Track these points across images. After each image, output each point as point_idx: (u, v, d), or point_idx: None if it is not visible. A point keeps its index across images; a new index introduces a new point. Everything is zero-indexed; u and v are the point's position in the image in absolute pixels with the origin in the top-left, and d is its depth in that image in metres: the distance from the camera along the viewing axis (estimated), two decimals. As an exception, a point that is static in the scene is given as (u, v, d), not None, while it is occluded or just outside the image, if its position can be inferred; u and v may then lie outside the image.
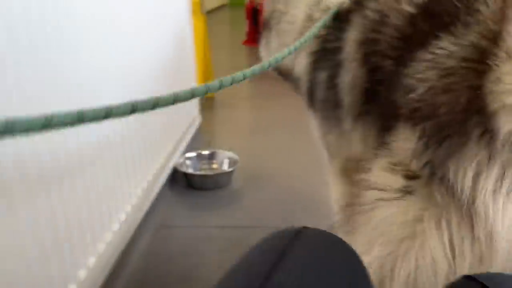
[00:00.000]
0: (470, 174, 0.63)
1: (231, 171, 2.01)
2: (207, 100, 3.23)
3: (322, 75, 1.11)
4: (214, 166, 2.12)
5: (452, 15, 0.72)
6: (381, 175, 0.75)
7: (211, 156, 2.13)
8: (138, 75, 1.50)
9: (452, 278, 0.66)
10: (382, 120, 0.84)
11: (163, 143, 1.78)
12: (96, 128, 1.18)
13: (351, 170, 1.16)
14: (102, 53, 1.22)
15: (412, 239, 0.69)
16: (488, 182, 0.62)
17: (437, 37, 0.71)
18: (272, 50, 1.38)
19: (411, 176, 0.71)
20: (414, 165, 0.70)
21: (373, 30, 0.94)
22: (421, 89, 0.69)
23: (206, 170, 2.09)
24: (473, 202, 0.63)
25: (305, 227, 0.57)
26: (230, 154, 2.11)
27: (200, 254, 1.54)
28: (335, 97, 1.05)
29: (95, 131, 1.17)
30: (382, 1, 0.95)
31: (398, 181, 0.72)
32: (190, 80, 2.35)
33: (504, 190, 0.62)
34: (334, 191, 1.24)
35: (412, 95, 0.71)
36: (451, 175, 0.64)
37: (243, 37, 5.81)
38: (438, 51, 0.69)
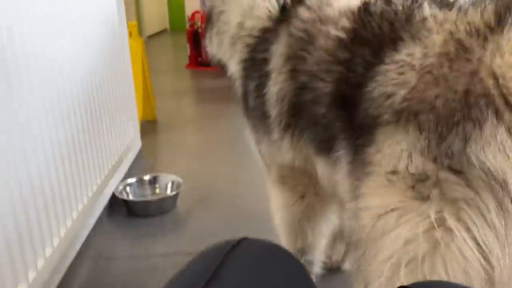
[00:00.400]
0: (498, 150, 0.61)
1: (175, 195, 1.93)
2: (149, 123, 3.14)
3: (252, 84, 1.10)
4: (157, 190, 2.03)
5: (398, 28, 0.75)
6: (381, 193, 0.71)
7: (154, 181, 2.04)
8: (70, 102, 1.40)
9: (492, 276, 0.62)
10: (350, 140, 0.81)
11: (96, 169, 1.67)
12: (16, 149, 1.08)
13: (287, 177, 1.15)
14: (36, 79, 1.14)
15: (433, 251, 0.65)
16: None
17: (395, 49, 0.73)
18: (214, 46, 1.36)
19: (417, 180, 0.67)
20: (418, 166, 0.67)
21: (300, 48, 0.95)
22: (403, 91, 0.69)
23: (148, 196, 1.99)
24: (510, 180, 0.61)
25: (244, 238, 0.53)
26: (174, 177, 2.03)
27: (142, 285, 1.44)
28: (264, 107, 1.04)
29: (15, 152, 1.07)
30: (308, 21, 0.96)
31: (401, 193, 0.68)
32: (130, 103, 2.26)
33: None
34: (273, 200, 1.22)
35: (392, 99, 0.70)
36: (474, 158, 0.62)
37: (186, 60, 5.77)
38: (407, 58, 0.71)
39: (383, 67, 0.74)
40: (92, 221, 1.59)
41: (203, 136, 3.06)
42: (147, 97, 3.13)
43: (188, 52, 5.70)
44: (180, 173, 2.07)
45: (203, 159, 2.55)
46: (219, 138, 2.91)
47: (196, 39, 5.53)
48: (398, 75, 0.71)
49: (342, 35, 0.86)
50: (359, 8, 0.87)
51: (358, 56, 0.81)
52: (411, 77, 0.69)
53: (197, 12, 5.59)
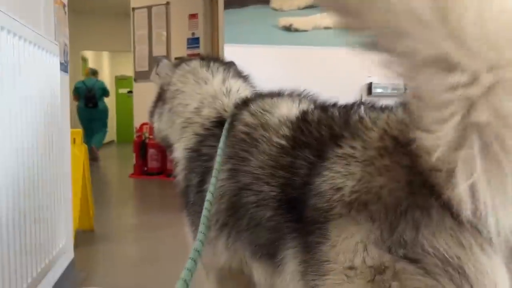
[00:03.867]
0: (449, 236, 0.61)
1: (107, 311, 1.75)
2: (85, 233, 2.95)
3: (195, 179, 1.09)
4: (87, 306, 1.84)
5: (339, 128, 0.80)
6: None
7: (84, 295, 1.86)
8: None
9: None
10: (301, 238, 0.79)
11: (18, 276, 1.49)
12: None
13: (226, 279, 1.08)
14: None
15: None
16: (470, 241, 0.61)
17: (337, 145, 0.76)
18: (163, 123, 1.33)
19: (376, 272, 0.65)
20: (374, 257, 0.65)
21: (242, 149, 0.98)
22: (350, 182, 0.70)
23: (76, 312, 1.79)
24: (465, 265, 0.61)
25: None
26: (107, 291, 1.86)
27: None
28: (203, 203, 1.03)
29: None
30: (250, 125, 1.01)
31: (362, 287, 0.66)
32: (66, 210, 2.14)
33: (487, 247, 0.61)
34: None
35: (341, 192, 0.71)
36: (427, 245, 0.62)
37: (130, 170, 5.72)
38: (350, 150, 0.74)
39: (327, 162, 0.76)
40: None
41: (143, 247, 2.90)
42: (86, 206, 3.00)
43: (133, 161, 5.68)
44: (116, 287, 1.91)
45: (142, 272, 2.38)
46: (160, 249, 2.77)
47: (142, 149, 5.58)
48: (344, 167, 0.73)
49: (283, 142, 0.90)
50: (297, 118, 0.93)
51: (300, 159, 0.84)
52: (356, 169, 0.71)
53: (145, 124, 5.72)
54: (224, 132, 1.08)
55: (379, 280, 0.65)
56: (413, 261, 0.63)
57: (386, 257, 0.64)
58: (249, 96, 1.19)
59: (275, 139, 0.92)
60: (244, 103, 1.12)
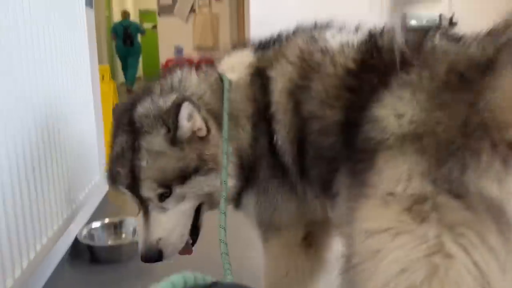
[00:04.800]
0: (495, 180, 0.62)
1: (142, 240, 1.84)
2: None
3: (263, 141, 1.01)
4: (123, 235, 1.94)
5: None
6: (376, 215, 0.70)
7: (119, 225, 1.95)
8: (33, 136, 1.35)
9: None
10: (351, 165, 0.81)
11: (58, 207, 1.58)
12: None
13: (313, 237, 1.06)
14: None
15: (432, 278, 0.63)
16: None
17: (405, 71, 0.75)
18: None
19: (415, 201, 0.66)
20: (417, 187, 0.66)
21: (302, 77, 0.94)
22: (411, 111, 0.71)
23: (113, 241, 1.90)
24: (506, 207, 0.61)
25: (214, 283, 0.50)
26: (141, 221, 1.95)
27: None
28: (279, 160, 0.99)
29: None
30: (306, 51, 0.97)
31: (396, 214, 0.67)
32: (98, 146, 2.20)
33: None
34: (276, 265, 1.12)
35: (401, 120, 0.71)
36: (472, 186, 0.62)
37: (158, 106, 5.77)
38: (417, 79, 0.73)
39: (391, 89, 0.76)
40: (52, 267, 1.49)
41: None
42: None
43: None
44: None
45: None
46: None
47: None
48: (409, 93, 0.72)
49: (351, 65, 0.89)
50: (367, 41, 0.92)
51: (366, 83, 0.83)
52: (421, 97, 0.71)
53: (170, 60, 5.68)
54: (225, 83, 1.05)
55: (417, 210, 0.66)
56: (456, 196, 0.64)
57: (429, 188, 0.65)
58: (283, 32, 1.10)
59: (342, 61, 0.91)
60: (278, 37, 1.07)
